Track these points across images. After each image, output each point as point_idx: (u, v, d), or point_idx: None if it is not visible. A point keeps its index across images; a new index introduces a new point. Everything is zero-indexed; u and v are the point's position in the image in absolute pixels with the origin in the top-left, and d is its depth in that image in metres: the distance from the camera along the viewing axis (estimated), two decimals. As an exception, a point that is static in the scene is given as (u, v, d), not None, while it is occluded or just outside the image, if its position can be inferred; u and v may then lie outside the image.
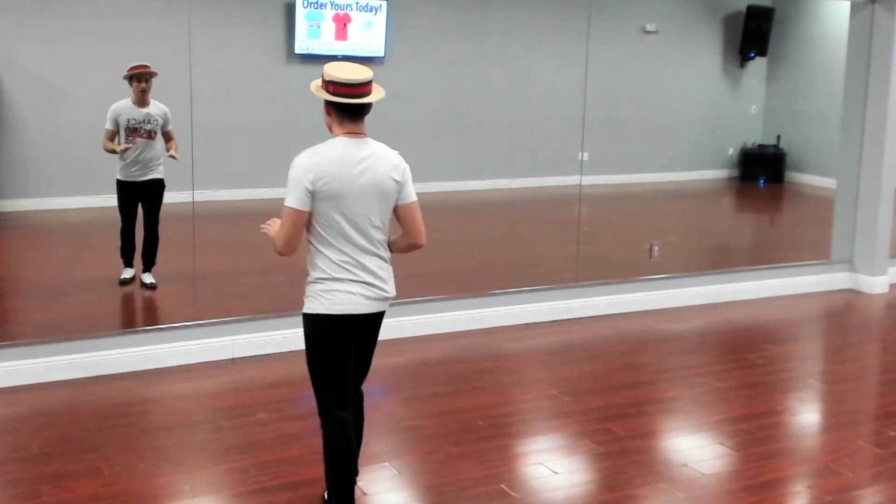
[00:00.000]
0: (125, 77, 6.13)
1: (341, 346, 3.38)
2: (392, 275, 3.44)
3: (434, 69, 10.20)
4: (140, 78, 6.10)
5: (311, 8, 9.13)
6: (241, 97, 8.50)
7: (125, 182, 6.28)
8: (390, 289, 3.41)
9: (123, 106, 6.17)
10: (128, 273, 6.41)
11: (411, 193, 3.40)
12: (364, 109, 3.32)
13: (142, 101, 6.14)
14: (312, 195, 3.22)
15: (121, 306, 6.00)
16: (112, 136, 6.18)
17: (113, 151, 6.17)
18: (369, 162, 3.29)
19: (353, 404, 3.53)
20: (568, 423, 4.58)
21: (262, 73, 8.91)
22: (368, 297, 3.34)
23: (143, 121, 6.16)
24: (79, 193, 8.12)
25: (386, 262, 3.41)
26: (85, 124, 8.31)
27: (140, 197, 6.30)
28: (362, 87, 3.27)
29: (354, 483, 3.54)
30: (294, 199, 3.22)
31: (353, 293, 3.30)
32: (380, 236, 3.36)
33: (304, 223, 3.27)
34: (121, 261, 6.44)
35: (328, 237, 3.29)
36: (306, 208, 3.23)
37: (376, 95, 3.33)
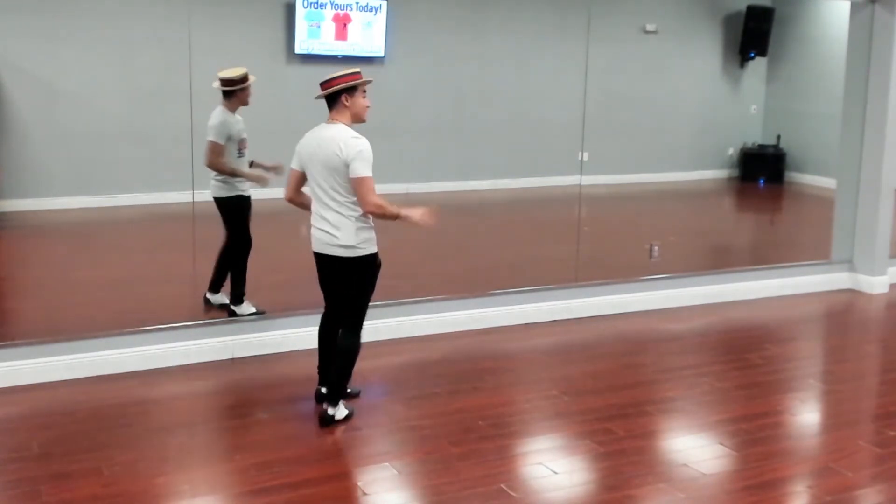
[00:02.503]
0: (238, 88, 5.64)
1: (320, 272, 4.55)
2: (351, 229, 4.32)
3: (434, 69, 10.20)
4: (247, 87, 5.70)
5: (311, 8, 9.14)
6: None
7: (244, 197, 5.77)
8: (342, 238, 4.33)
9: (230, 117, 5.67)
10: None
11: (357, 170, 4.25)
12: (331, 99, 4.40)
13: (238, 110, 5.74)
14: (300, 162, 4.46)
15: (120, 306, 6.00)
16: (224, 151, 5.64)
17: (242, 176, 5.65)
18: (325, 142, 4.33)
19: (339, 331, 4.55)
20: (568, 423, 4.58)
21: (262, 73, 8.90)
22: (322, 241, 4.40)
23: (244, 130, 5.78)
24: (79, 193, 8.13)
25: (345, 217, 4.32)
26: (85, 124, 8.33)
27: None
28: (326, 84, 4.38)
29: (328, 373, 4.56)
30: (293, 161, 4.51)
31: (315, 236, 4.44)
32: (339, 198, 4.31)
33: (297, 179, 4.49)
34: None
35: (310, 194, 4.45)
36: (298, 168, 4.47)
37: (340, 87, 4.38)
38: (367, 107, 4.47)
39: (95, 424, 4.42)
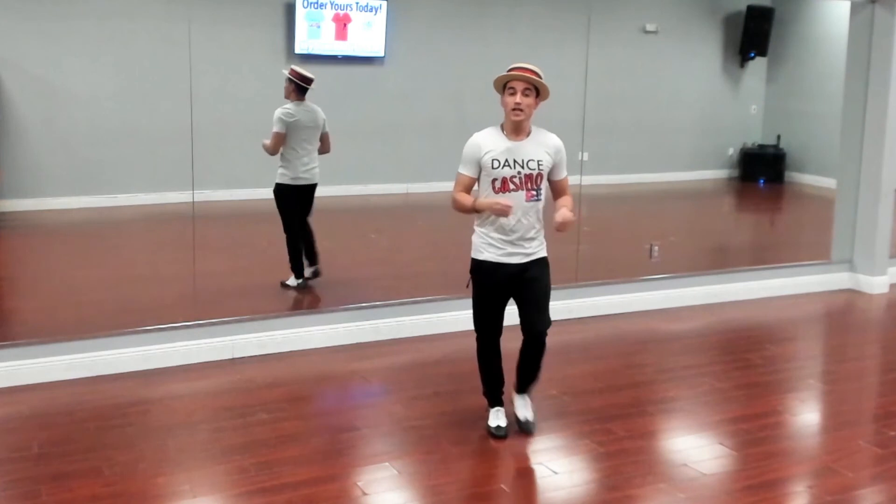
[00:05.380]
0: (309, 85, 6.31)
1: None
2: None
3: (434, 69, 10.20)
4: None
5: (311, 8, 9.13)
6: (242, 97, 8.51)
7: None
8: None
9: None
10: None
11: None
12: None
13: None
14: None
15: (121, 306, 6.00)
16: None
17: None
18: None
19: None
20: (568, 423, 4.58)
21: (262, 73, 8.92)
22: None
23: None
24: (79, 193, 8.14)
25: None
26: (85, 124, 8.33)
27: None
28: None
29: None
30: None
31: None
32: None
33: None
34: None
35: None
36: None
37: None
38: (513, 107, 4.10)
39: (95, 424, 4.42)
